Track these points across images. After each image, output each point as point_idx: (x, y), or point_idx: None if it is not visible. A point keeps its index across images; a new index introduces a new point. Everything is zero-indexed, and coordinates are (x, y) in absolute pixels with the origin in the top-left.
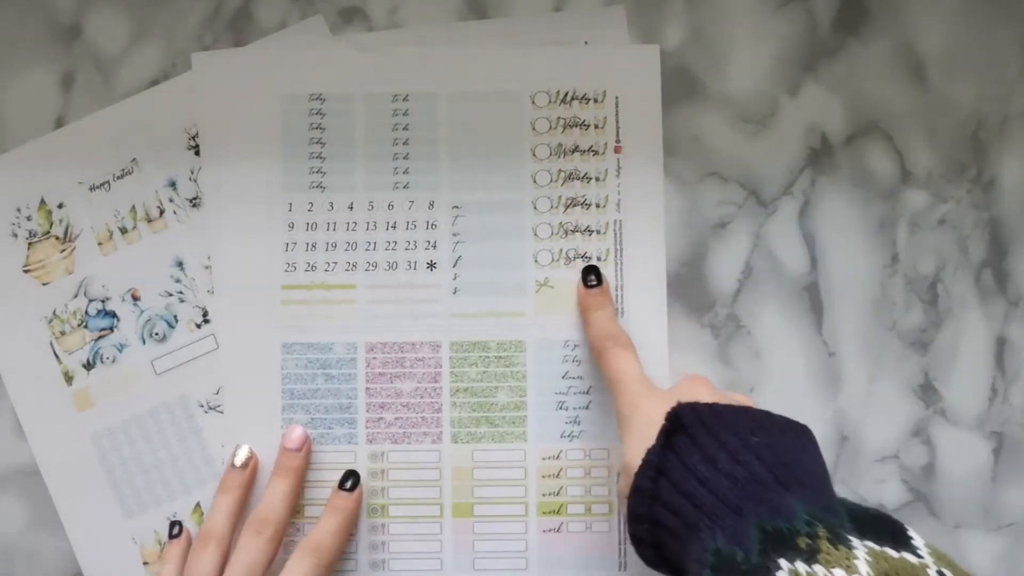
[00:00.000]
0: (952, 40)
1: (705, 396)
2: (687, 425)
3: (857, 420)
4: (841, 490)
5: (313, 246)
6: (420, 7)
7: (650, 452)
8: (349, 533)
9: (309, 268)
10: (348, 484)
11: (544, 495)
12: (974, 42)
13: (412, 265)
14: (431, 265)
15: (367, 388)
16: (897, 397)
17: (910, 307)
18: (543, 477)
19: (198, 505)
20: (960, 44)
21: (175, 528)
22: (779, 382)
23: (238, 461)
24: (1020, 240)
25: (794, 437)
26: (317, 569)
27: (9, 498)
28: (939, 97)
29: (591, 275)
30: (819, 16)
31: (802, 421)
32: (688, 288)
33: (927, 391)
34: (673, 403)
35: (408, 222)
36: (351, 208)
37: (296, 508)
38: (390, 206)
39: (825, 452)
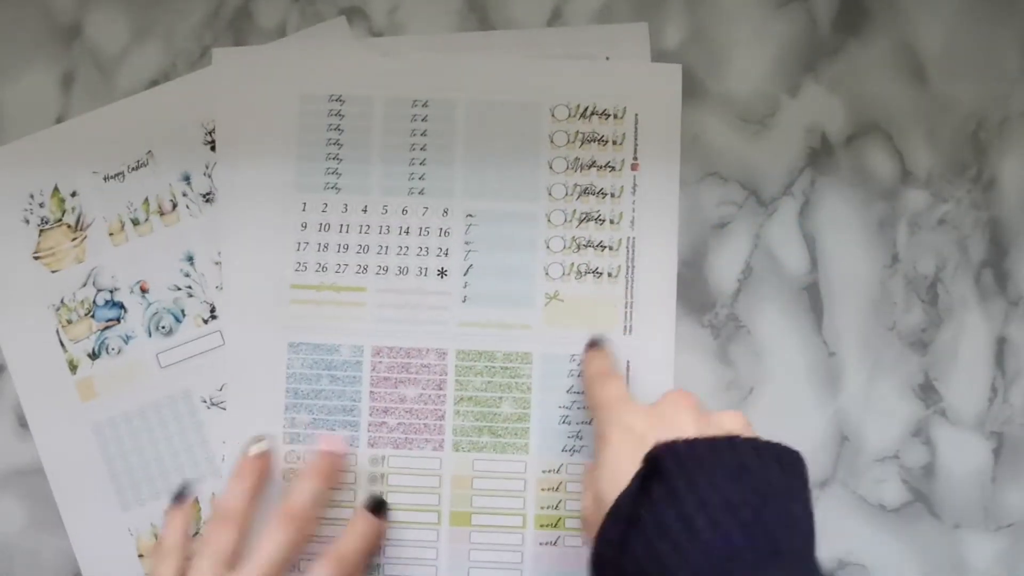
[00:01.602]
0: (952, 40)
1: (688, 423)
2: (664, 471)
3: (857, 420)
4: (841, 490)
5: (325, 247)
6: (420, 7)
7: (623, 496)
8: (371, 557)
9: (320, 269)
10: (373, 507)
11: (542, 508)
12: (974, 42)
13: (423, 271)
14: (442, 272)
15: (371, 392)
16: (897, 397)
17: (910, 307)
18: (542, 490)
19: (195, 501)
20: (960, 44)
21: (182, 491)
22: (779, 382)
23: (254, 453)
24: (1020, 240)
25: (781, 476)
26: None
27: (9, 498)
28: (939, 97)
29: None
30: (819, 16)
31: (802, 420)
32: (688, 288)
33: (927, 391)
34: (657, 422)
35: (421, 228)
36: (365, 211)
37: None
38: (404, 211)
39: (825, 452)
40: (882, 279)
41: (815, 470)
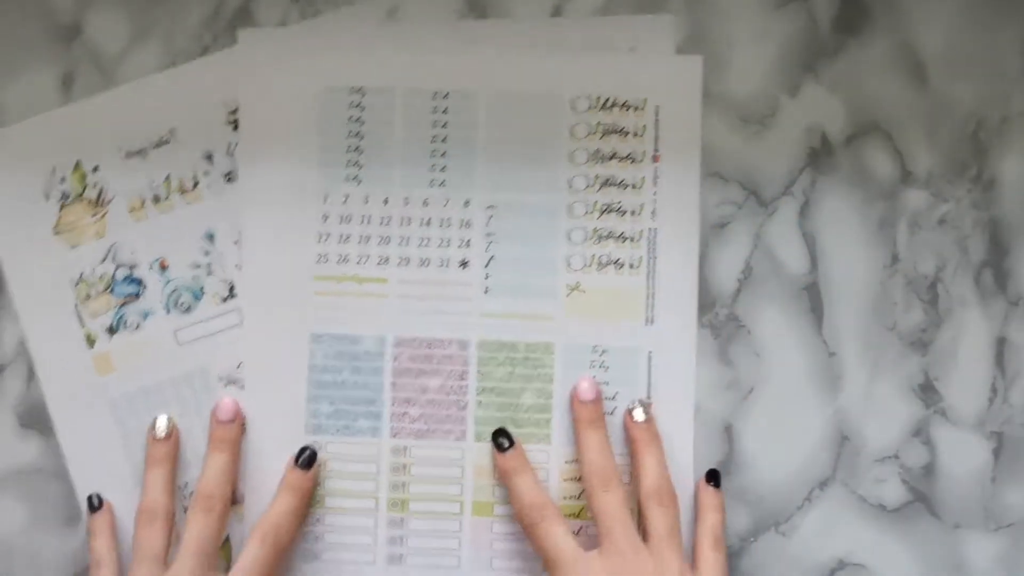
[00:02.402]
0: (952, 40)
1: None
2: None
3: (857, 420)
4: (841, 490)
5: (347, 238)
6: (420, 6)
7: None
8: (304, 514)
9: (341, 260)
10: (303, 460)
11: (564, 498)
12: (974, 42)
13: (444, 262)
14: (463, 263)
15: (393, 383)
16: (897, 397)
17: (910, 307)
18: (564, 480)
19: (108, 509)
20: (960, 44)
21: (95, 501)
22: (779, 382)
23: (160, 433)
24: (1020, 240)
25: None
26: (274, 552)
27: (9, 498)
28: (939, 97)
29: (502, 438)
30: (819, 16)
31: (802, 420)
32: None
33: (927, 391)
34: None
35: (443, 219)
36: (386, 202)
37: (234, 482)
38: (425, 202)
39: (825, 452)
40: (882, 279)
41: (815, 470)
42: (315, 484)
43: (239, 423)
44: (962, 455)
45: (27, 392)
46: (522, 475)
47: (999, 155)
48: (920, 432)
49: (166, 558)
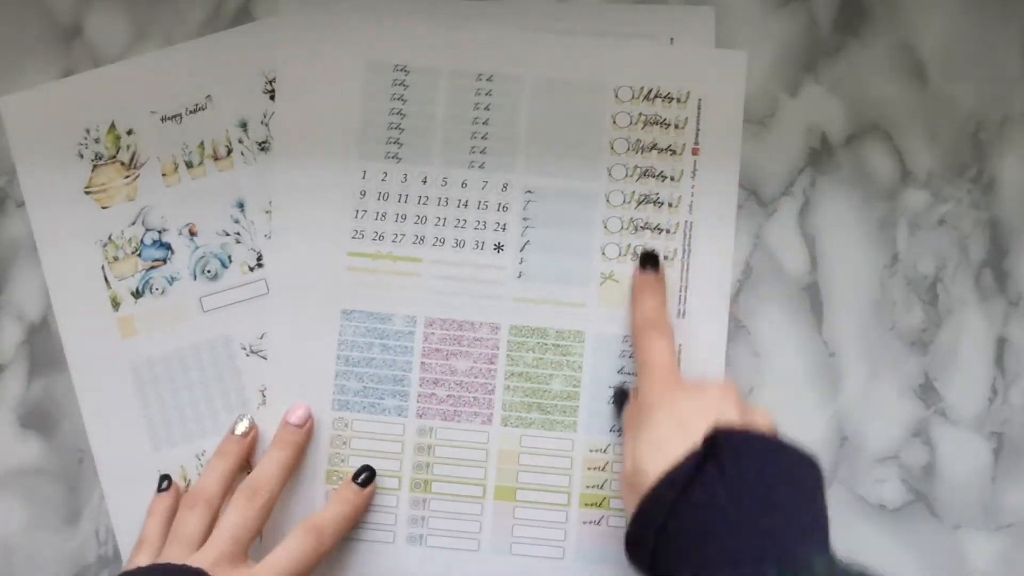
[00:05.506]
0: (952, 40)
1: (733, 412)
2: (720, 455)
3: (857, 420)
4: (841, 490)
5: (383, 216)
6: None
7: (678, 469)
8: (353, 525)
9: (377, 237)
10: (361, 479)
11: (588, 487)
12: (974, 42)
13: (479, 245)
14: (498, 247)
15: (422, 363)
16: (897, 397)
17: (910, 307)
18: (589, 469)
19: (178, 490)
20: (960, 44)
21: (163, 482)
22: (779, 382)
23: (239, 430)
24: (1020, 240)
25: (812, 478)
26: (316, 550)
27: (9, 498)
28: (939, 97)
29: (649, 261)
30: (819, 16)
31: (802, 420)
32: None
33: (927, 391)
34: (702, 409)
35: (480, 202)
36: (424, 182)
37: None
38: (464, 184)
39: (825, 452)
40: (882, 279)
41: None
42: (368, 501)
43: (307, 430)
44: (962, 455)
45: (27, 392)
46: (654, 296)
47: (999, 155)
48: (920, 432)
49: (200, 544)
